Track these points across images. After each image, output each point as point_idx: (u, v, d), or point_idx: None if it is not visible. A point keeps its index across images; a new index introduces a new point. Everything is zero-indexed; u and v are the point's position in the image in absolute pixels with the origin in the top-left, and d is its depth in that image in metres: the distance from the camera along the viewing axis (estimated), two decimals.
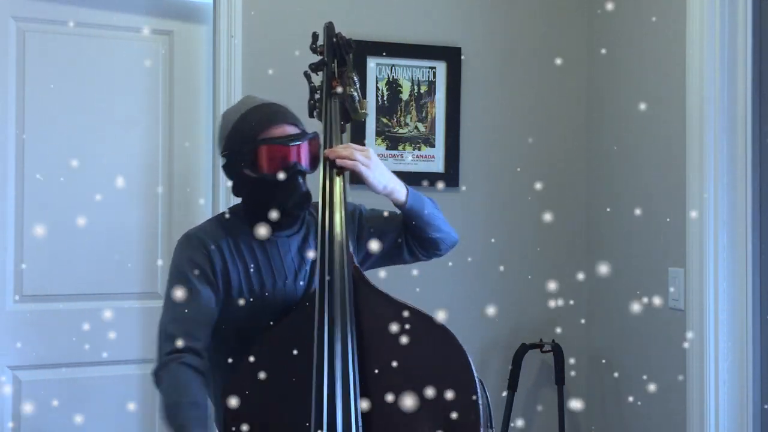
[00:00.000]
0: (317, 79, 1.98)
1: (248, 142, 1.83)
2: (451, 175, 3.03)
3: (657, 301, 2.73)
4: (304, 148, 1.85)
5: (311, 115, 1.96)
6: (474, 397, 1.66)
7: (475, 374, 1.68)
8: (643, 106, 2.83)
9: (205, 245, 1.87)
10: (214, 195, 2.82)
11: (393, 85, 3.00)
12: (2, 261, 2.68)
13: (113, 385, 2.78)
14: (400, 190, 1.90)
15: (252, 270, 1.88)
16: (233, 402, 1.69)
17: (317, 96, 1.95)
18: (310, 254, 1.93)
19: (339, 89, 1.90)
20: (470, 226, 3.03)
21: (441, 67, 3.04)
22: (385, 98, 2.99)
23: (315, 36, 1.99)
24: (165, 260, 2.85)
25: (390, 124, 2.99)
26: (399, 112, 3.00)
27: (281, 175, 1.81)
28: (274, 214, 1.83)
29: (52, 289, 2.73)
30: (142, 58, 2.84)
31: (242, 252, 1.89)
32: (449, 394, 1.66)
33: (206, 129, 2.88)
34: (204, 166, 2.88)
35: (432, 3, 3.05)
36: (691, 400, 2.55)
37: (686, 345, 2.57)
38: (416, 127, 3.02)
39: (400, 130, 3.00)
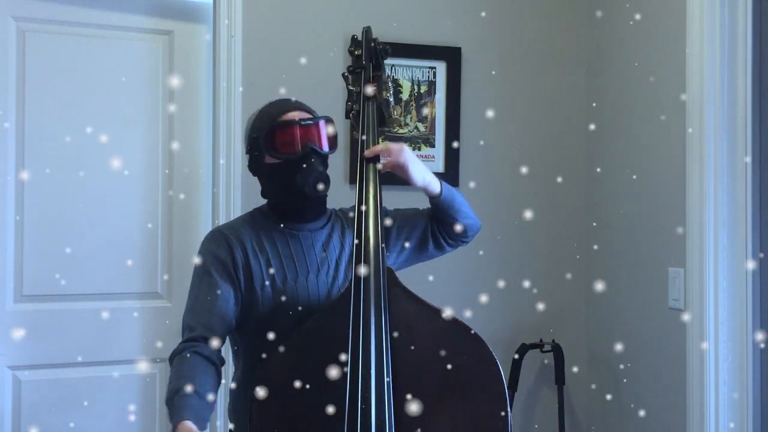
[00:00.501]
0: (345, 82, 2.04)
1: (265, 128, 1.93)
2: (451, 175, 3.02)
3: (657, 301, 2.74)
4: (318, 129, 1.94)
5: (347, 117, 2.02)
6: (504, 411, 1.70)
7: (506, 387, 1.71)
8: (643, 107, 2.83)
9: (228, 240, 1.94)
10: (214, 195, 2.82)
11: (393, 85, 3.00)
12: (2, 261, 2.68)
13: (113, 385, 2.78)
14: (435, 183, 2.00)
15: (274, 264, 1.93)
16: (260, 395, 1.70)
17: (354, 98, 2.00)
18: (334, 251, 1.98)
19: (373, 92, 1.97)
20: None
21: (441, 67, 3.04)
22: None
23: (354, 39, 2.05)
24: (165, 260, 2.86)
25: (390, 124, 2.99)
26: (399, 112, 3.00)
27: (296, 154, 1.89)
28: (294, 202, 1.92)
29: (52, 289, 2.73)
30: (142, 58, 2.84)
31: (264, 246, 1.94)
32: (481, 405, 1.70)
33: (206, 129, 2.88)
34: (204, 166, 2.88)
35: (432, 3, 3.05)
36: (691, 400, 2.55)
37: (686, 345, 2.57)
38: (416, 127, 3.02)
39: (400, 130, 3.00)
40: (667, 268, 2.69)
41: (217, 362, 1.81)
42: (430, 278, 2.88)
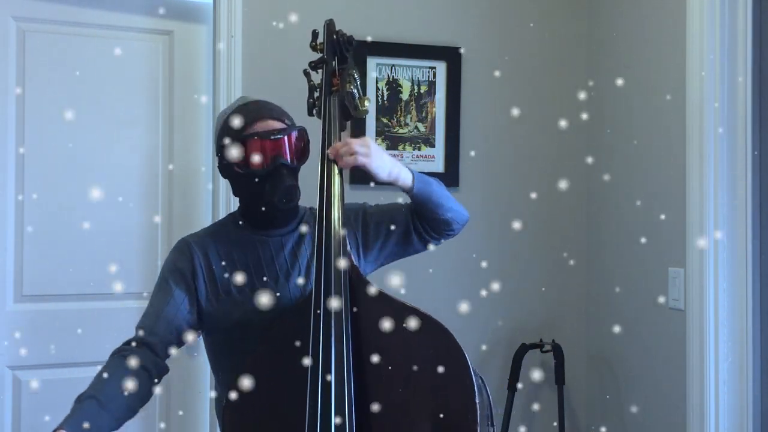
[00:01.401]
0: (317, 77, 1.98)
1: (234, 137, 1.86)
2: (451, 175, 3.03)
3: (657, 301, 2.74)
4: (288, 141, 1.87)
5: (310, 114, 1.96)
6: (472, 397, 1.64)
7: (473, 373, 1.66)
8: (643, 107, 2.83)
9: (191, 250, 1.91)
10: (214, 195, 2.82)
11: (393, 85, 3.00)
12: (2, 261, 2.68)
13: None
14: (405, 176, 1.89)
15: (240, 271, 1.89)
16: (231, 404, 1.69)
17: (316, 94, 1.95)
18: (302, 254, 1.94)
19: (337, 87, 1.90)
20: (470, 225, 3.02)
21: (441, 67, 3.04)
22: (385, 98, 2.99)
23: (315, 33, 1.99)
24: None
25: (390, 124, 2.99)
26: (399, 112, 3.00)
27: (263, 169, 1.83)
28: (263, 210, 1.87)
29: (52, 289, 2.73)
30: (142, 58, 2.84)
31: (231, 255, 1.91)
32: (446, 394, 1.65)
33: (206, 129, 2.88)
34: (204, 166, 2.88)
35: (432, 3, 3.05)
36: (691, 400, 2.55)
37: (686, 345, 2.57)
38: (416, 127, 3.02)
39: (400, 130, 3.00)
40: (667, 268, 2.69)
41: (150, 368, 1.79)
42: (429, 278, 2.89)
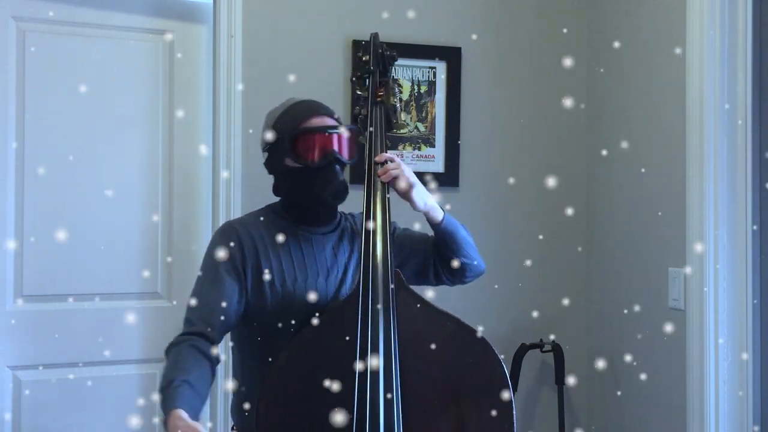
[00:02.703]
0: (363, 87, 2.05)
1: (289, 131, 1.92)
2: (451, 175, 3.03)
3: (657, 301, 2.74)
4: (342, 138, 1.93)
5: (354, 122, 2.03)
6: (511, 414, 1.70)
7: (511, 385, 1.72)
8: (643, 106, 2.83)
9: (240, 236, 1.93)
10: (214, 195, 2.82)
11: (395, 86, 3.00)
12: (2, 261, 2.68)
13: (113, 385, 2.78)
14: (438, 210, 1.97)
15: (284, 264, 1.92)
16: (268, 398, 1.70)
17: (362, 103, 2.01)
18: (343, 256, 1.99)
19: (381, 98, 1.99)
20: (470, 225, 2.99)
21: (441, 67, 3.04)
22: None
23: (362, 45, 2.06)
24: (165, 260, 2.85)
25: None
26: (399, 112, 3.00)
27: (317, 163, 1.89)
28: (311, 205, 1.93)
29: (52, 289, 2.73)
30: (142, 58, 2.84)
31: (276, 246, 1.93)
32: (488, 408, 1.70)
33: (206, 129, 2.88)
34: (204, 166, 2.88)
35: (432, 3, 3.05)
36: (691, 400, 2.55)
37: (686, 345, 2.57)
38: (416, 127, 3.02)
39: (400, 130, 3.00)
40: (667, 268, 2.69)
41: (212, 360, 1.80)
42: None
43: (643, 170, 2.83)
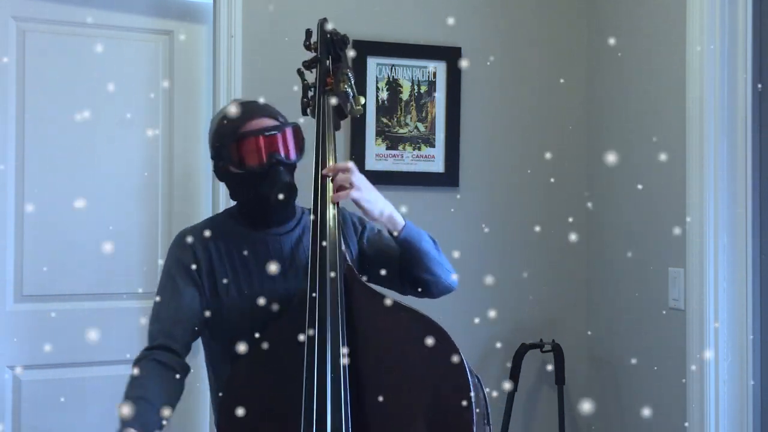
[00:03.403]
0: (311, 76, 1.97)
1: (228, 137, 1.86)
2: (450, 175, 3.03)
3: (657, 301, 2.74)
4: (283, 138, 1.86)
5: (304, 113, 1.96)
6: (468, 397, 1.63)
7: (469, 372, 1.65)
8: (643, 106, 2.83)
9: (193, 245, 1.90)
10: (214, 195, 2.82)
11: (393, 85, 3.00)
12: (2, 261, 2.68)
13: (113, 385, 2.75)
14: (397, 220, 1.85)
15: (239, 269, 1.89)
16: (227, 404, 1.70)
17: (311, 93, 1.94)
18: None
19: (331, 86, 1.90)
20: (470, 225, 3.04)
21: (441, 67, 3.04)
22: (385, 98, 2.99)
23: (309, 33, 1.99)
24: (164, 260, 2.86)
25: (390, 124, 2.99)
26: (399, 112, 3.00)
27: (260, 167, 1.83)
28: (261, 210, 1.87)
29: (52, 289, 2.73)
30: (142, 58, 2.84)
31: (231, 251, 1.90)
32: (443, 394, 1.65)
33: (206, 129, 2.87)
34: (204, 166, 2.88)
35: (432, 3, 3.05)
36: (691, 400, 2.55)
37: (686, 345, 2.57)
38: (416, 127, 3.02)
39: (400, 130, 3.00)
40: (667, 268, 2.69)
41: (178, 369, 1.77)
42: None
43: (643, 170, 2.83)
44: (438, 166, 3.03)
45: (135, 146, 2.84)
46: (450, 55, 3.04)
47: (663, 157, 2.72)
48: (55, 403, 2.72)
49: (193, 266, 1.87)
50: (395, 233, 1.86)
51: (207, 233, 1.91)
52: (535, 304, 3.11)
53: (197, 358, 2.85)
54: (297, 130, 1.90)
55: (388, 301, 1.71)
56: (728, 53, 2.47)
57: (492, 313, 3.04)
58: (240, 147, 1.85)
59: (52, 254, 2.72)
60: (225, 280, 1.88)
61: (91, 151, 2.77)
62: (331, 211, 1.78)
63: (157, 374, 1.75)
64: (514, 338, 3.03)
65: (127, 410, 1.65)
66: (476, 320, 2.95)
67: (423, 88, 3.03)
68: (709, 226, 2.47)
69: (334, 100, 1.90)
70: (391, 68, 2.99)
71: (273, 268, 1.87)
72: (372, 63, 2.96)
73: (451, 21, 3.06)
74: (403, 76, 3.01)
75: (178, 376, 1.77)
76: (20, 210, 2.70)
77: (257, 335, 1.75)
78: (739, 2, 2.45)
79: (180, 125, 2.88)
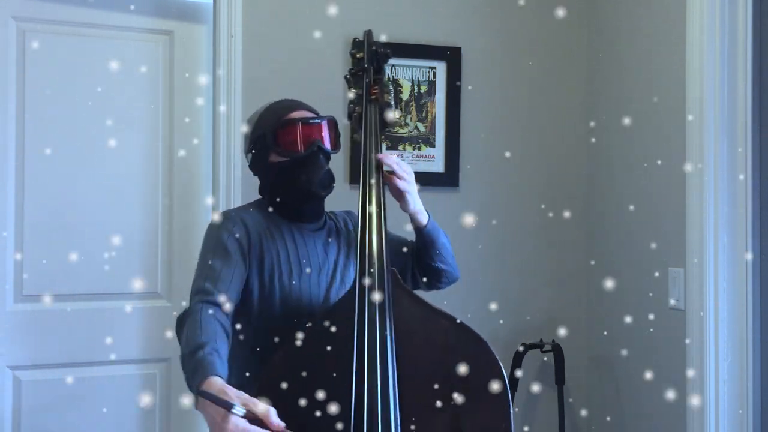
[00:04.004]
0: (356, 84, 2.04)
1: (272, 125, 1.94)
2: (451, 175, 3.03)
3: (657, 301, 2.74)
4: (324, 127, 1.96)
5: (349, 119, 2.02)
6: (506, 407, 1.70)
7: (508, 384, 1.71)
8: (643, 106, 2.83)
9: (245, 223, 1.92)
10: (214, 195, 2.82)
11: (393, 85, 3.00)
12: (2, 261, 2.68)
13: (113, 385, 2.78)
14: (424, 214, 1.99)
15: (282, 257, 1.91)
16: (265, 394, 1.66)
17: (356, 101, 2.00)
18: (332, 253, 1.98)
19: (376, 96, 1.98)
20: (469, 226, 3.03)
21: (441, 67, 3.04)
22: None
23: (356, 42, 2.06)
24: (165, 260, 2.85)
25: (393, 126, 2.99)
26: (399, 112, 3.00)
27: (302, 153, 1.91)
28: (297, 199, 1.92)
29: (52, 289, 2.73)
30: (142, 58, 2.84)
31: (275, 237, 1.93)
32: (484, 404, 1.70)
33: (206, 129, 2.88)
34: (204, 166, 2.88)
35: (432, 3, 3.05)
36: (691, 400, 2.55)
37: (686, 345, 2.57)
38: (416, 127, 3.02)
39: (400, 130, 3.00)
40: (667, 268, 2.69)
41: (228, 330, 1.73)
42: None
43: (643, 171, 2.83)
44: (438, 166, 3.03)
45: (135, 146, 2.83)
46: (450, 55, 3.04)
47: (663, 157, 2.72)
48: (55, 403, 2.72)
49: (245, 244, 1.88)
50: (422, 226, 1.99)
51: (255, 214, 1.95)
52: (535, 304, 3.12)
53: None
54: (334, 123, 2.00)
55: (431, 307, 1.77)
56: (728, 53, 2.47)
57: (492, 313, 3.04)
58: (282, 133, 1.92)
59: (52, 254, 2.72)
60: (270, 263, 1.89)
61: (91, 151, 2.77)
62: (374, 212, 1.83)
63: (222, 333, 1.68)
64: (514, 338, 3.03)
65: (206, 358, 1.57)
66: (476, 320, 2.94)
67: (423, 88, 3.03)
68: (709, 226, 2.48)
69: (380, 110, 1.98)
70: (391, 68, 2.99)
71: (309, 267, 1.92)
72: None
73: (451, 21, 3.06)
74: (403, 76, 3.01)
75: (229, 342, 1.72)
76: (20, 210, 2.70)
77: (297, 330, 1.74)
78: (739, 2, 2.45)
79: (180, 125, 2.88)
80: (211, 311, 1.71)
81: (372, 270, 1.75)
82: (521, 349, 2.97)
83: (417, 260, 2.05)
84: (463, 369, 1.71)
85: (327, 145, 1.95)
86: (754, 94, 2.44)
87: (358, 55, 2.03)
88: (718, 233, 2.47)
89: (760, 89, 2.45)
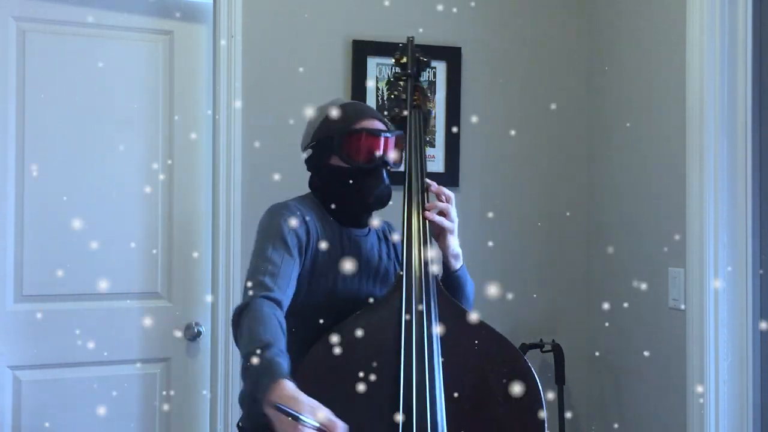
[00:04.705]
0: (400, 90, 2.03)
1: (342, 130, 1.90)
2: (451, 175, 3.03)
3: (657, 301, 2.74)
4: (392, 142, 1.92)
5: (393, 122, 2.00)
6: (542, 416, 1.71)
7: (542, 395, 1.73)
8: (643, 107, 2.83)
9: (305, 218, 1.87)
10: (214, 195, 2.82)
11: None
12: (2, 261, 2.68)
13: (113, 385, 2.78)
14: (460, 259, 1.95)
15: (332, 256, 1.87)
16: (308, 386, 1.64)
17: (400, 104, 1.98)
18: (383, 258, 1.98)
19: (418, 102, 1.98)
20: (469, 226, 3.03)
21: (441, 67, 3.04)
22: (385, 98, 2.98)
23: (400, 47, 2.05)
24: (165, 260, 2.85)
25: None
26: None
27: (367, 165, 1.88)
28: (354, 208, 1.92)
29: (52, 289, 2.73)
30: (142, 58, 2.84)
31: (328, 237, 1.89)
32: (522, 411, 1.72)
33: (206, 129, 2.88)
34: (204, 166, 2.88)
35: (432, 3, 3.05)
36: (691, 400, 2.55)
37: (686, 345, 2.57)
38: None
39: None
40: (667, 268, 2.69)
41: (286, 334, 1.63)
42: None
43: (643, 170, 2.83)
44: (438, 166, 3.03)
45: (135, 146, 2.83)
46: (450, 55, 3.04)
47: (663, 157, 2.72)
48: (55, 403, 2.72)
49: (304, 239, 1.83)
50: (453, 269, 1.93)
51: (313, 209, 1.91)
52: (535, 304, 3.12)
53: (196, 358, 2.86)
54: (402, 139, 1.95)
55: (472, 317, 1.77)
56: (728, 53, 2.47)
57: (492, 313, 3.03)
58: (351, 140, 1.89)
59: (52, 254, 2.72)
60: (323, 261, 1.85)
61: (92, 151, 2.77)
62: (420, 223, 1.83)
63: (283, 336, 1.60)
64: (514, 338, 3.02)
65: (275, 359, 1.48)
66: (476, 320, 2.94)
67: None
68: (709, 226, 2.48)
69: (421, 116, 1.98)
70: (392, 68, 2.98)
71: (351, 266, 1.87)
72: (372, 63, 2.96)
73: (451, 21, 3.06)
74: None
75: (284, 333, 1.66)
76: (20, 210, 2.70)
77: (336, 332, 1.71)
78: (739, 2, 2.45)
79: (180, 125, 2.88)
80: (271, 309, 1.64)
81: (418, 278, 1.75)
82: (521, 349, 2.97)
83: None
84: (502, 383, 1.73)
85: (392, 160, 1.92)
86: (754, 94, 2.44)
87: (402, 60, 2.01)
88: (718, 233, 2.47)
89: (760, 89, 2.45)
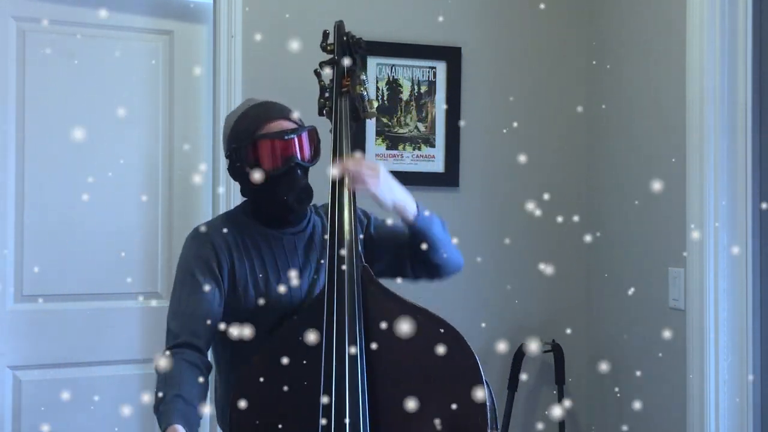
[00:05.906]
0: (326, 77, 1.98)
1: (245, 139, 1.87)
2: (451, 175, 3.03)
3: (657, 301, 2.74)
4: (301, 141, 1.88)
5: (321, 114, 1.96)
6: (482, 400, 1.65)
7: (483, 377, 1.68)
8: (643, 107, 2.83)
9: (213, 240, 1.88)
10: (213, 195, 2.82)
11: (393, 85, 3.00)
12: (2, 261, 2.68)
13: (113, 385, 2.78)
14: (409, 207, 1.87)
15: (257, 266, 1.89)
16: (241, 403, 1.69)
17: (327, 94, 1.94)
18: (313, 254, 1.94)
19: (347, 88, 1.90)
20: (469, 226, 3.03)
21: (441, 67, 3.04)
22: (385, 98, 2.99)
23: (326, 34, 1.99)
24: (165, 260, 2.85)
25: (390, 124, 2.99)
26: (399, 112, 3.00)
27: (276, 170, 1.84)
28: (277, 210, 1.88)
29: (52, 289, 2.73)
30: (142, 58, 2.84)
31: (249, 248, 1.90)
32: (457, 397, 1.67)
33: (206, 129, 2.88)
34: (204, 166, 2.88)
35: (432, 3, 3.05)
36: (691, 400, 2.55)
37: (686, 345, 2.57)
38: (416, 127, 3.02)
39: (400, 130, 3.00)
40: (667, 268, 2.69)
41: (203, 368, 1.76)
42: None
43: (643, 170, 2.83)
44: (438, 166, 3.03)
45: (135, 146, 2.84)
46: (450, 55, 3.04)
47: (663, 157, 2.72)
48: (55, 403, 2.72)
49: (213, 262, 1.86)
50: (409, 222, 1.88)
51: (225, 229, 1.91)
52: (535, 304, 3.12)
53: None
54: (313, 133, 1.92)
55: (403, 302, 1.73)
56: (728, 53, 2.47)
57: (492, 313, 3.04)
58: (257, 149, 1.86)
59: (52, 254, 2.72)
60: (245, 277, 1.87)
61: (91, 151, 2.77)
62: (346, 212, 1.78)
63: (189, 374, 1.72)
64: (514, 338, 3.03)
65: (167, 407, 1.63)
66: (476, 320, 2.95)
67: (423, 88, 3.03)
68: (709, 226, 2.47)
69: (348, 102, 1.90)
70: (391, 68, 2.99)
71: (293, 273, 1.88)
72: (372, 63, 2.96)
73: (450, 21, 3.06)
74: (403, 76, 3.01)
75: (201, 379, 1.75)
76: (20, 210, 2.70)
77: (272, 333, 1.76)
78: (739, 2, 2.45)
79: (180, 125, 2.88)
80: (180, 356, 1.75)
81: (341, 273, 1.71)
82: (521, 349, 2.97)
83: (413, 252, 1.96)
84: (438, 365, 1.68)
85: (304, 158, 1.87)
86: (754, 94, 2.44)
87: (328, 48, 1.96)
88: (718, 233, 2.47)
89: (760, 89, 2.44)
